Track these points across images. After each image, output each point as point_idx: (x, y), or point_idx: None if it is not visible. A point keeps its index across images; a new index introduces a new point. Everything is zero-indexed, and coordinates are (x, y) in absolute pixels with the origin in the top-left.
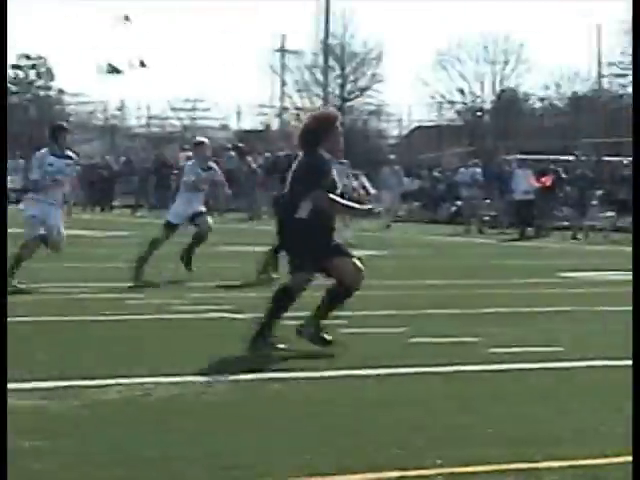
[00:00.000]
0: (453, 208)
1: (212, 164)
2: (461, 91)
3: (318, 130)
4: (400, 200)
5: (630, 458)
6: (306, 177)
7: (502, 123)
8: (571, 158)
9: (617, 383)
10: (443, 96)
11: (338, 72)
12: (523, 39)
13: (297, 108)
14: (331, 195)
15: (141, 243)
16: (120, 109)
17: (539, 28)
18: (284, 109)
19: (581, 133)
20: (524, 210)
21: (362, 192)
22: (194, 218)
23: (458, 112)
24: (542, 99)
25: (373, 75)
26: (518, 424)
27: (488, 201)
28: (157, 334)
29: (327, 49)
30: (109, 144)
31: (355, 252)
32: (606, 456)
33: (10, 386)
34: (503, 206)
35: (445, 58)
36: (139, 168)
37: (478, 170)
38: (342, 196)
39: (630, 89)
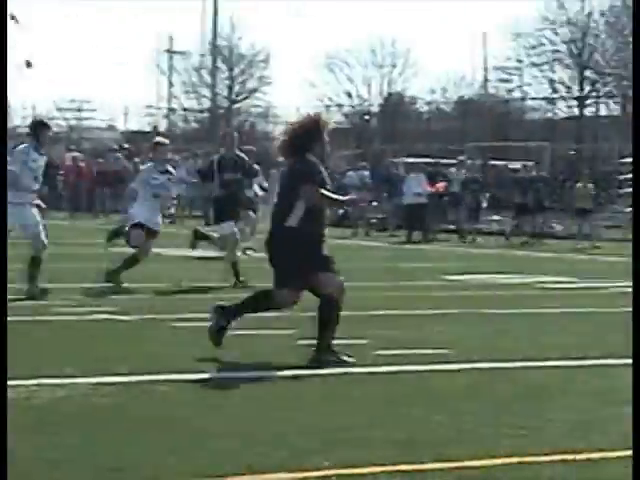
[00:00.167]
0: (340, 211)
1: (169, 167)
2: (348, 94)
3: (306, 136)
4: None
5: (516, 459)
6: (299, 184)
7: (389, 126)
8: (457, 161)
9: (503, 385)
10: (331, 99)
11: (226, 74)
12: (410, 44)
13: (184, 109)
14: (320, 190)
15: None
16: None
17: (426, 33)
18: (171, 110)
19: (467, 137)
20: (415, 213)
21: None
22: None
23: (345, 115)
24: (429, 103)
25: (261, 77)
26: (405, 426)
27: (375, 204)
28: (38, 336)
29: (215, 50)
30: None
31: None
32: (492, 457)
33: None
34: (391, 209)
35: (333, 61)
36: None
37: (366, 173)
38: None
39: (516, 94)
